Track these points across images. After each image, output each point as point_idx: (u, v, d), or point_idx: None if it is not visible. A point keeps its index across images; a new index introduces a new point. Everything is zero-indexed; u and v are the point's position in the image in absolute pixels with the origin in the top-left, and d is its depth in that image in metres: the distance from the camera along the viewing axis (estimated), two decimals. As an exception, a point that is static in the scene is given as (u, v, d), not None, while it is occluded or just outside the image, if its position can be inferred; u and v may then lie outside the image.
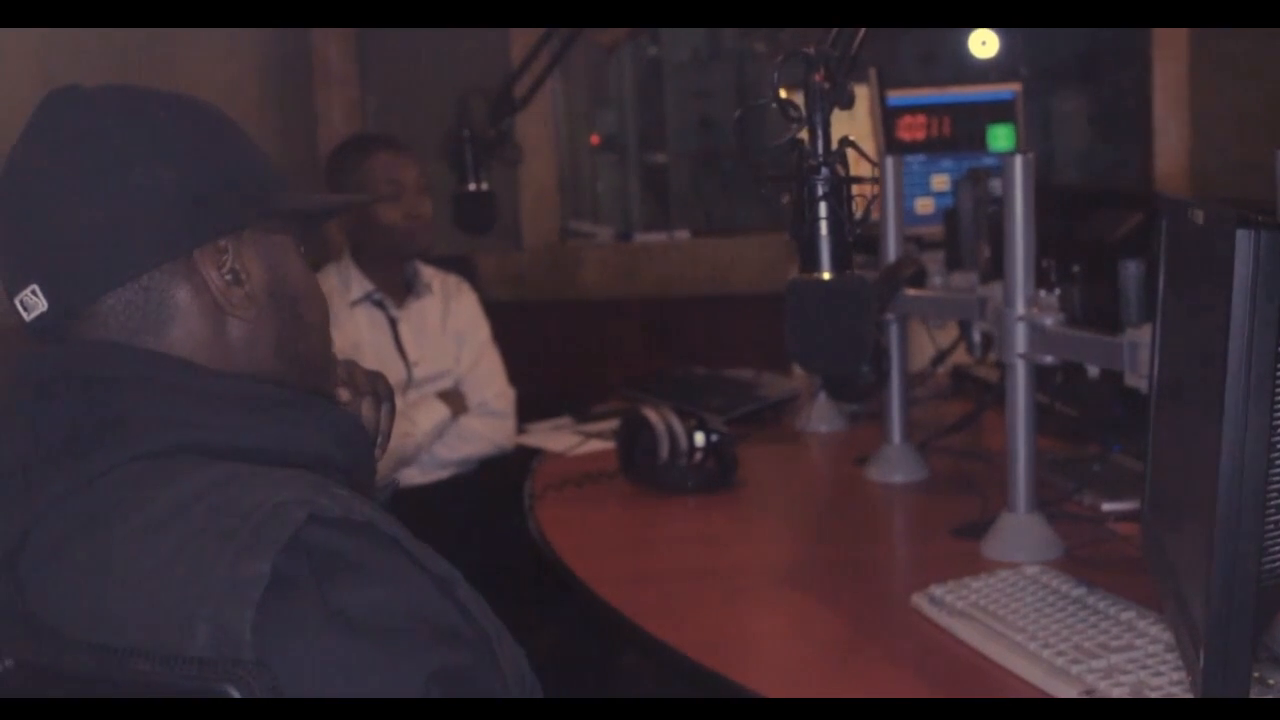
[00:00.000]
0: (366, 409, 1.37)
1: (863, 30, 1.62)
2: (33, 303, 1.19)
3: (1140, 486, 2.25)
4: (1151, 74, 4.09)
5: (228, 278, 1.21)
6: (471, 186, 2.91)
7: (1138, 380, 1.84)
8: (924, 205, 3.46)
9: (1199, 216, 1.31)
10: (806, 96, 1.52)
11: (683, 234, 4.26)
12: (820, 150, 1.49)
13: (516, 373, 3.34)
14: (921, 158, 3.44)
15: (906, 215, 3.35)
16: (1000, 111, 3.53)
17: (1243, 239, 1.14)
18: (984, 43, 5.53)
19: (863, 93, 3.45)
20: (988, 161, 3.54)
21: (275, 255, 1.25)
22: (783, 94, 1.49)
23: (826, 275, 1.50)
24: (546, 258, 4.18)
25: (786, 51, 1.48)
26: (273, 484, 1.07)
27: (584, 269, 4.17)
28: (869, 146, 3.40)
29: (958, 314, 2.40)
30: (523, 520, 2.43)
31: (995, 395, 2.67)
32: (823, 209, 1.48)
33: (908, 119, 3.43)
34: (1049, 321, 2.01)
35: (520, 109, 2.87)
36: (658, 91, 5.75)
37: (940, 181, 3.48)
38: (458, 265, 3.44)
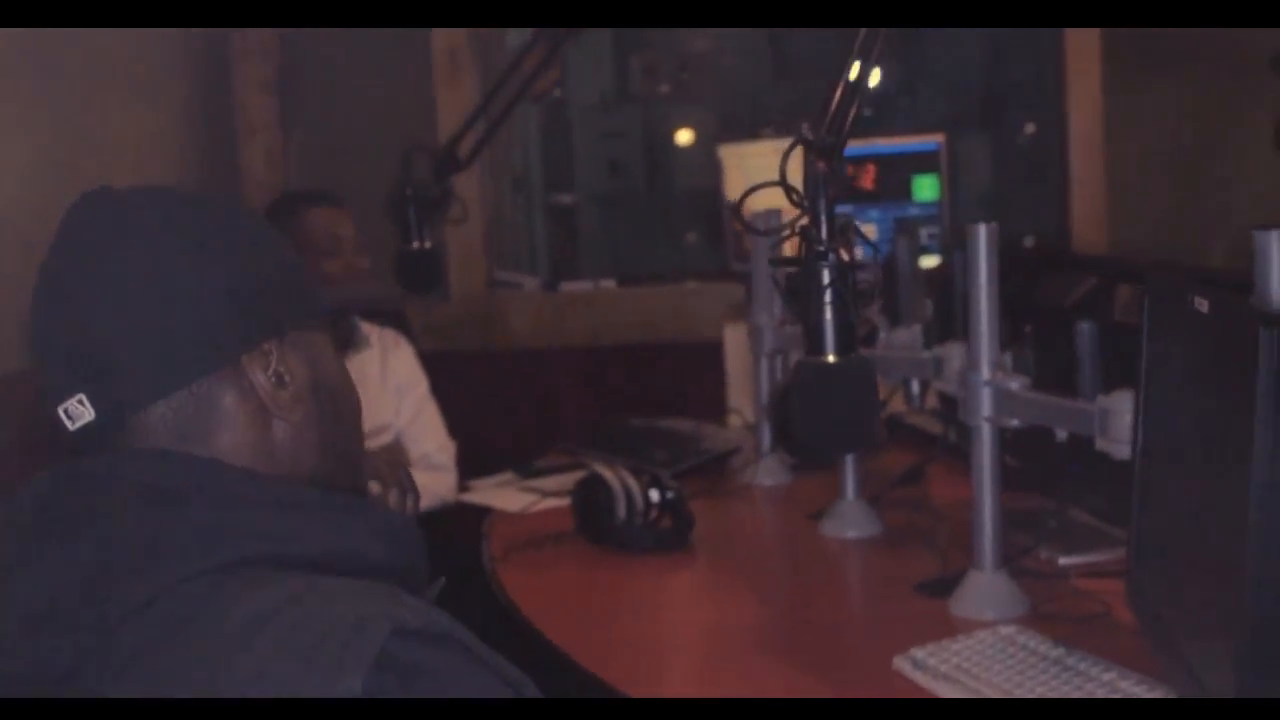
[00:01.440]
0: (394, 501, 1.37)
1: (853, 111, 1.67)
2: (79, 412, 1.18)
3: (1095, 541, 2.34)
4: (1067, 121, 4.20)
5: (273, 380, 1.21)
6: (415, 245, 2.90)
7: (1109, 445, 1.89)
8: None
9: (1204, 305, 1.37)
10: (808, 183, 1.55)
11: (609, 283, 4.29)
12: (824, 235, 1.52)
13: (451, 425, 3.35)
14: (848, 208, 3.50)
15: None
16: (924, 162, 3.62)
17: (1266, 340, 1.19)
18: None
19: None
20: (913, 211, 3.63)
21: (314, 353, 1.26)
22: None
23: (832, 358, 1.53)
24: (474, 308, 4.18)
25: (794, 138, 1.51)
26: (351, 596, 1.07)
27: (512, 319, 4.18)
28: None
29: (913, 373, 2.45)
30: (478, 580, 2.43)
31: (941, 447, 2.74)
32: (828, 294, 1.52)
33: (835, 170, 3.48)
34: (1015, 386, 2.07)
35: (465, 168, 2.88)
36: (563, 133, 5.79)
37: (867, 231, 3.55)
38: (389, 318, 3.44)
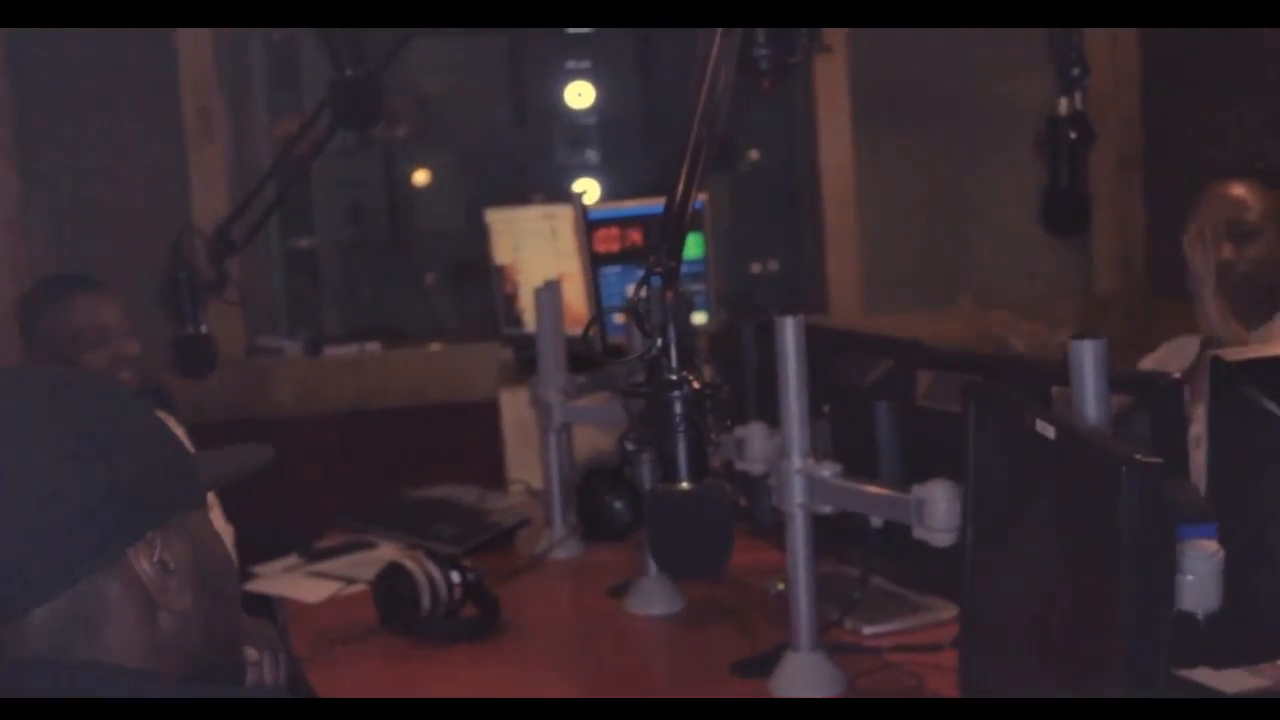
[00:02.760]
0: (269, 665, 1.34)
1: (686, 236, 1.70)
2: (-49, 622, 1.11)
3: (898, 609, 2.43)
4: (818, 169, 4.34)
5: (159, 568, 1.17)
6: (190, 330, 2.82)
7: (928, 534, 1.96)
8: (621, 316, 3.57)
9: (1049, 431, 1.44)
10: (653, 312, 1.57)
11: (373, 345, 4.23)
12: (675, 363, 1.55)
13: (222, 504, 3.25)
14: (617, 268, 3.55)
15: (607, 326, 3.46)
16: (690, 220, 3.68)
17: (1128, 475, 1.27)
18: (579, 95, 5.74)
19: (567, 213, 3.54)
20: (681, 269, 3.68)
21: (195, 533, 1.22)
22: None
23: (686, 485, 1.55)
24: (235, 378, 4.07)
25: (647, 267, 1.53)
26: None
27: (275, 387, 4.09)
28: (574, 264, 3.49)
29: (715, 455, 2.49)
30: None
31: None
32: (680, 422, 1.54)
33: (603, 232, 3.53)
34: (827, 474, 2.13)
35: (240, 250, 2.81)
36: (303, 178, 5.68)
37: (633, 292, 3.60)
38: (153, 395, 3.33)
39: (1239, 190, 2.81)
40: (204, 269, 2.82)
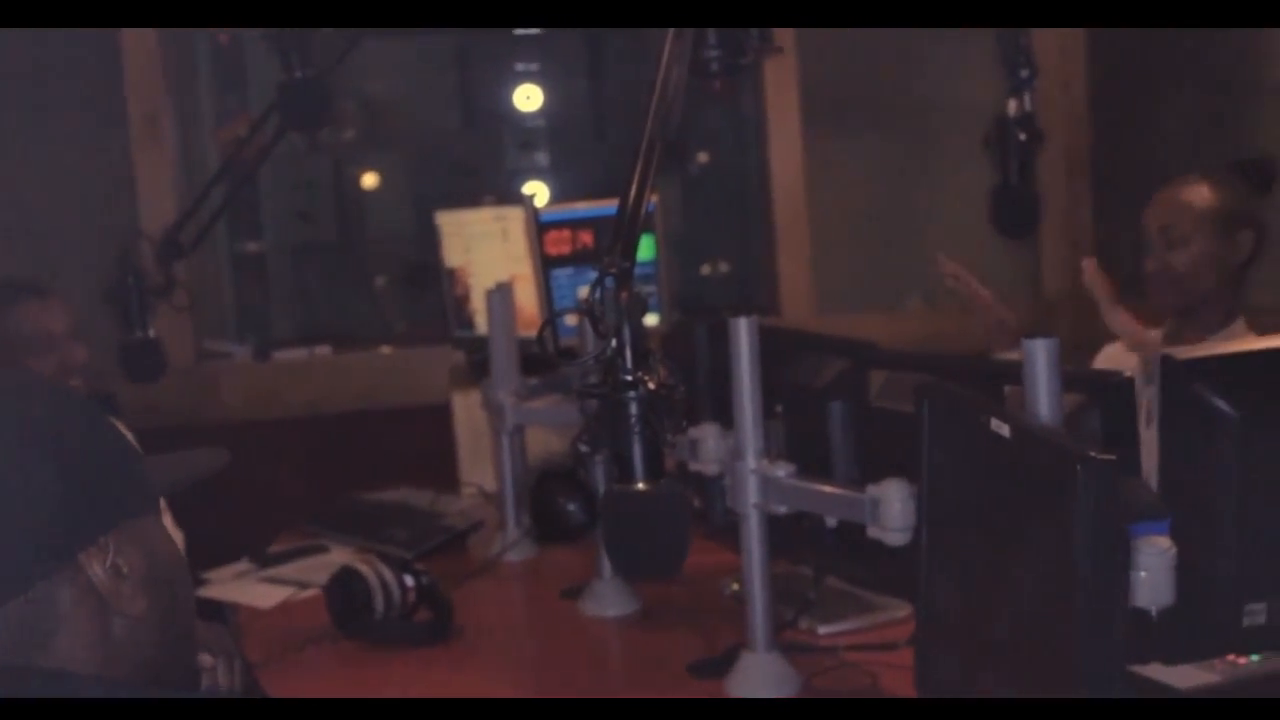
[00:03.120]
0: (223, 671, 1.33)
1: (640, 236, 1.70)
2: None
3: (850, 607, 2.44)
4: (769, 170, 4.35)
5: (112, 573, 1.15)
6: (138, 335, 2.80)
7: (882, 533, 1.97)
8: (574, 318, 3.56)
9: (1003, 429, 1.45)
10: (608, 312, 1.57)
11: (323, 349, 4.21)
12: (630, 364, 1.55)
13: (171, 510, 3.23)
14: (569, 270, 3.55)
15: (560, 328, 3.45)
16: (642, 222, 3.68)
17: (1082, 473, 1.27)
18: (528, 97, 5.74)
19: (518, 215, 3.53)
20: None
21: (148, 537, 1.21)
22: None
23: (642, 486, 1.55)
24: (184, 382, 4.03)
25: (601, 268, 1.53)
26: None
27: (224, 392, 4.06)
28: (525, 267, 3.48)
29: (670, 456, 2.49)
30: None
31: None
32: (636, 423, 1.54)
33: (554, 234, 3.52)
34: (781, 474, 2.13)
35: (188, 254, 2.79)
36: (250, 180, 5.63)
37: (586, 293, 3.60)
38: (102, 404, 3.29)
39: (1175, 195, 2.85)
40: (152, 273, 2.80)
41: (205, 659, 1.31)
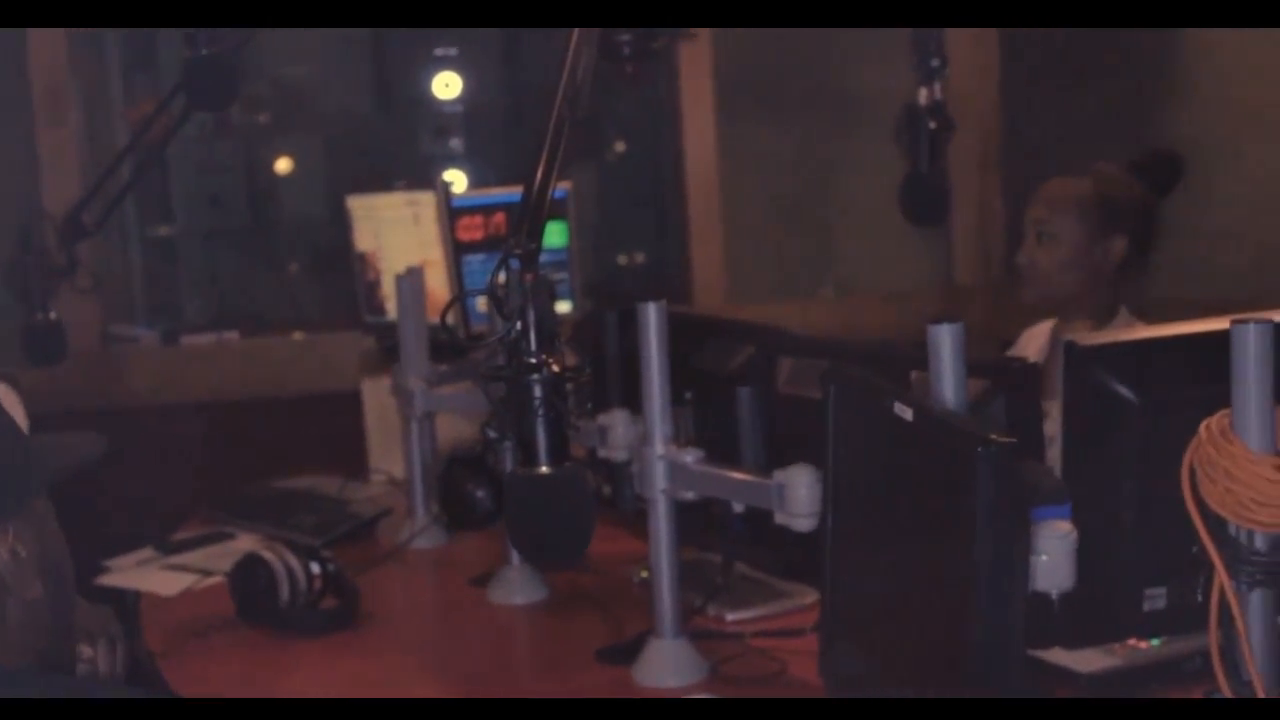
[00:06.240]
0: (104, 656, 1.32)
1: (546, 218, 1.69)
2: None
3: (759, 595, 2.44)
4: (683, 159, 4.34)
5: (12, 557, 1.14)
6: (39, 317, 2.74)
7: (789, 519, 1.97)
8: (485, 303, 3.54)
9: (906, 413, 1.45)
10: (512, 294, 1.56)
11: (231, 334, 4.15)
12: (534, 346, 1.53)
13: (72, 496, 3.17)
14: (481, 256, 3.52)
15: (471, 314, 3.43)
16: (552, 208, 3.66)
17: (983, 456, 1.28)
18: (447, 85, 5.69)
19: (430, 200, 3.50)
20: (543, 258, 3.66)
21: (39, 522, 1.19)
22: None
23: (545, 470, 1.54)
24: (88, 366, 3.96)
25: (506, 249, 1.52)
26: None
27: (130, 377, 3.99)
28: (437, 252, 3.45)
29: (578, 442, 2.48)
30: (137, 679, 2.32)
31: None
32: (539, 405, 1.52)
33: (466, 219, 3.50)
34: (689, 460, 2.12)
35: (92, 234, 2.73)
36: (159, 166, 5.55)
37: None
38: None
39: (1053, 191, 2.88)
40: (54, 254, 2.74)
41: (85, 650, 1.29)
